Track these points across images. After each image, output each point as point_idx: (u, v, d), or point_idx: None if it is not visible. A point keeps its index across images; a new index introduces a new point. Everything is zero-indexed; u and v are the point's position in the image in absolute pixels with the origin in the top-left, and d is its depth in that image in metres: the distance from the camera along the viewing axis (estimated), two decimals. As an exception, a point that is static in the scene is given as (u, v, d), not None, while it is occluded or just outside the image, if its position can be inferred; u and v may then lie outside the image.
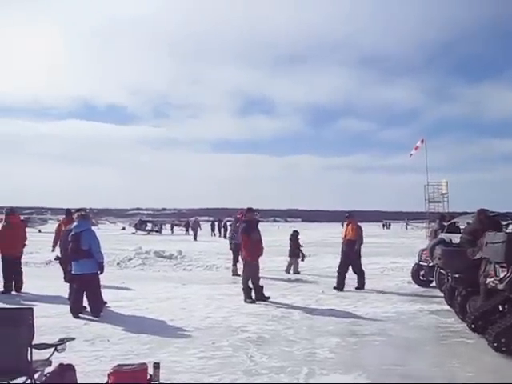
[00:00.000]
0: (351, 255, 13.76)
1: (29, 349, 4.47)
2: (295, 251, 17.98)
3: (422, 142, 41.25)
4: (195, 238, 41.18)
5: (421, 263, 14.22)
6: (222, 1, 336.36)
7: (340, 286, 13.54)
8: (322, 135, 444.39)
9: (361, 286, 13.73)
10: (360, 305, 11.40)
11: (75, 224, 10.30)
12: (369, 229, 76.00)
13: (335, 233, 61.00)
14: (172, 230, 61.18)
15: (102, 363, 6.65)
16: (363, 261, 14.18)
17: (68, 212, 13.51)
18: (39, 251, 22.54)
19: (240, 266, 15.35)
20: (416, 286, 14.13)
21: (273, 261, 19.41)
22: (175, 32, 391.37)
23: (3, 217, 13.71)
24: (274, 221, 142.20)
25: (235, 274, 16.16)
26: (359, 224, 14.22)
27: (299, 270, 17.60)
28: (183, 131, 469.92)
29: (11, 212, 13.45)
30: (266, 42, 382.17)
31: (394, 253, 25.68)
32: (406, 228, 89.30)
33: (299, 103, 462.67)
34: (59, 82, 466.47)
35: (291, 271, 17.52)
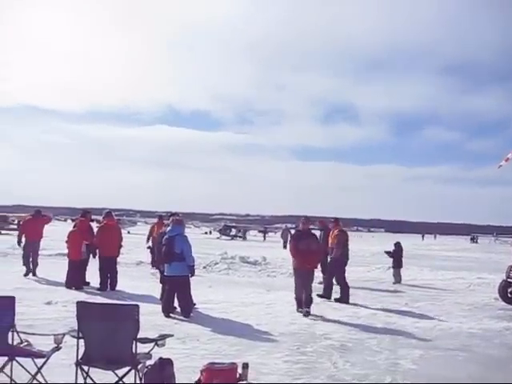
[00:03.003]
0: (331, 264, 13.46)
1: (134, 342, 4.89)
2: (400, 262, 18.12)
3: (515, 154, 39.71)
4: (285, 246, 40.65)
5: (509, 280, 13.87)
6: (306, 8, 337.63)
7: (326, 294, 13.21)
8: (406, 144, 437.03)
9: (344, 298, 12.97)
10: (444, 319, 11.30)
11: (169, 228, 10.84)
12: (455, 242, 74.15)
13: (419, 244, 59.80)
14: (245, 235, 61.25)
15: (192, 361, 7.01)
16: (450, 275, 13.91)
17: (160, 216, 14.34)
18: (129, 252, 23.51)
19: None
20: (503, 303, 13.78)
21: (355, 271, 19.44)
22: (259, 39, 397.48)
23: (101, 219, 14.65)
24: (357, 230, 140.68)
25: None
26: (344, 230, 13.83)
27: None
28: (266, 138, 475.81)
29: (109, 215, 14.34)
30: (350, 48, 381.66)
31: (480, 268, 24.99)
32: (475, 241, 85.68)
33: (383, 111, 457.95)
34: (146, 88, 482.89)
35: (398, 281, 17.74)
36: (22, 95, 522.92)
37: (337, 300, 13.06)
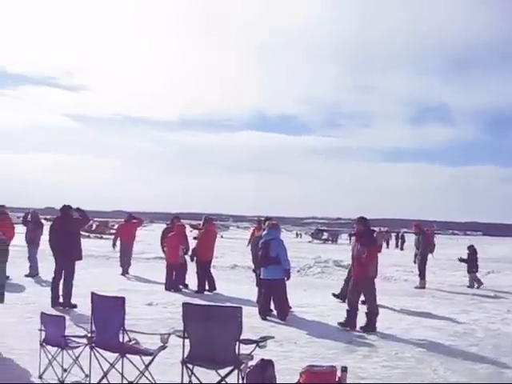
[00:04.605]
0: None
1: (237, 343, 5.06)
2: (475, 266, 17.58)
3: None
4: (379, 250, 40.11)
5: None
6: (388, 7, 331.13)
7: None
8: (501, 143, 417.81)
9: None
10: (551, 327, 10.80)
11: (265, 232, 11.06)
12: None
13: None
14: (336, 239, 60.50)
15: (290, 363, 7.12)
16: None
17: (259, 221, 14.76)
18: (223, 256, 24.03)
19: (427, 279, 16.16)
20: None
21: (453, 275, 18.95)
22: (344, 41, 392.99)
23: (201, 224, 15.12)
24: (452, 234, 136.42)
25: (422, 287, 16.41)
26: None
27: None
28: (355, 140, 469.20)
29: (209, 220, 14.79)
30: (438, 45, 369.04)
31: None
32: None
33: (475, 109, 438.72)
34: (235, 94, 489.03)
35: (475, 286, 17.16)
36: (117, 106, 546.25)
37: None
